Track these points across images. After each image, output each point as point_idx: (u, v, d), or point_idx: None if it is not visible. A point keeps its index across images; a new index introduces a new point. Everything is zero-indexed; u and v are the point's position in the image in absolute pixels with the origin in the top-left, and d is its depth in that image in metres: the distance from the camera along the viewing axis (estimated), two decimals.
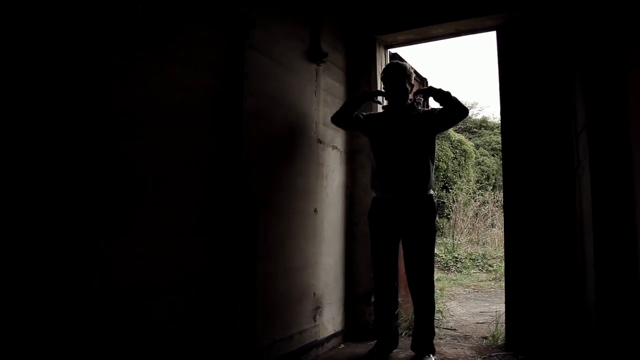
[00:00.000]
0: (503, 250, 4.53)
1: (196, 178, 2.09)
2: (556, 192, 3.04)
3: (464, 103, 2.78)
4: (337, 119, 2.97)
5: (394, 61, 3.04)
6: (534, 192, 3.11)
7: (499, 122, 3.64)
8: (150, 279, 1.84)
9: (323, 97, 3.16)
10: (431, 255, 2.78)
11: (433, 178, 2.84)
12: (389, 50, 3.73)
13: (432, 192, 2.82)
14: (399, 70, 2.87)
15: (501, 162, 3.67)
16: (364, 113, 3.04)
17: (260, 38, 2.49)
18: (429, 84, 3.00)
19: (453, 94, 2.74)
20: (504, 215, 3.31)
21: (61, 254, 1.53)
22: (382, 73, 2.95)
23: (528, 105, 3.18)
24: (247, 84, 2.37)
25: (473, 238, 8.69)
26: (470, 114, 14.59)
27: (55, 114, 1.53)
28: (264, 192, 2.49)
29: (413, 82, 3.01)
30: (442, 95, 2.74)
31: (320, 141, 3.11)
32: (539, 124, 3.13)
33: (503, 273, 4.22)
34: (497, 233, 8.36)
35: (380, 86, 3.59)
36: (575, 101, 2.92)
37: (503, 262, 4.90)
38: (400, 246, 2.86)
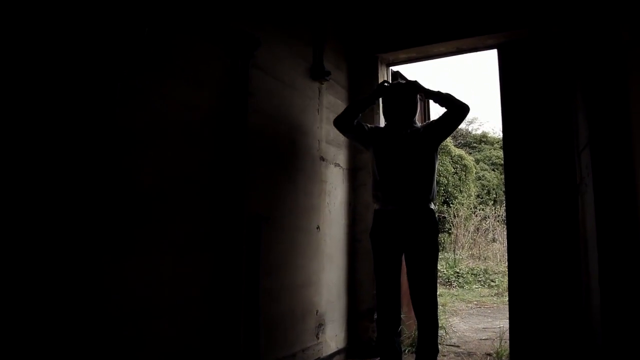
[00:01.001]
0: (505, 265, 4.50)
1: (200, 196, 2.09)
2: (559, 208, 3.04)
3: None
4: (341, 120, 2.83)
5: (400, 81, 3.04)
6: (536, 208, 3.11)
7: (499, 137, 3.67)
8: (153, 297, 1.83)
9: (326, 115, 3.18)
10: (434, 271, 2.75)
11: (435, 191, 2.82)
12: (390, 68, 3.77)
13: (433, 205, 2.79)
14: (407, 89, 2.84)
15: (502, 176, 3.68)
16: (369, 124, 2.98)
17: (264, 57, 2.52)
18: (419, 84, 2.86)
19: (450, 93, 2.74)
20: (507, 230, 3.31)
21: (64, 273, 1.53)
22: (388, 89, 2.85)
23: (530, 123, 3.20)
24: (251, 102, 2.39)
25: (474, 253, 8.66)
26: (470, 128, 14.66)
27: (60, 133, 1.55)
28: (267, 209, 2.49)
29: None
30: (442, 97, 2.74)
31: (322, 159, 3.12)
32: (540, 141, 3.15)
33: (505, 288, 4.19)
34: (499, 248, 8.34)
35: (382, 103, 3.62)
36: (577, 118, 2.94)
37: (505, 277, 4.88)
38: (403, 261, 2.85)
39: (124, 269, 1.71)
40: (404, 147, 2.78)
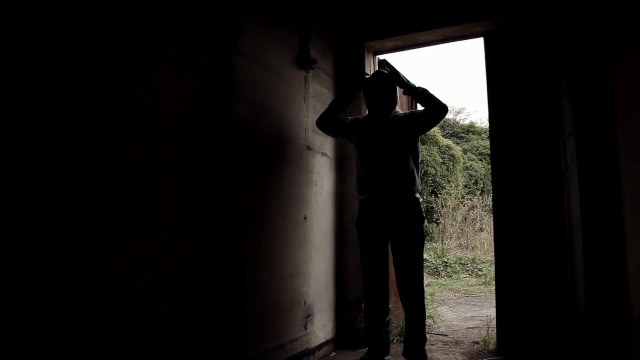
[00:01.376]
0: (492, 254, 4.53)
1: (184, 186, 2.06)
2: (545, 196, 3.06)
3: (450, 108, 2.80)
4: (323, 122, 2.86)
5: (380, 70, 2.96)
6: (522, 196, 3.13)
7: (487, 127, 3.69)
8: (137, 289, 1.80)
9: (312, 103, 3.15)
10: (420, 259, 2.75)
11: (418, 181, 2.80)
12: (377, 56, 3.74)
13: (418, 195, 2.78)
14: (387, 80, 2.84)
15: (489, 166, 3.69)
16: (349, 117, 2.95)
17: (249, 45, 2.48)
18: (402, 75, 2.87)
19: (430, 91, 2.71)
20: (494, 219, 3.32)
21: (45, 266, 1.49)
22: (367, 82, 2.85)
23: (516, 111, 3.20)
24: (236, 90, 2.35)
25: (462, 242, 8.72)
26: (457, 118, 14.71)
27: (38, 122, 1.50)
28: (253, 199, 2.47)
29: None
30: (419, 93, 2.72)
31: (309, 148, 3.09)
32: (527, 129, 3.16)
33: (492, 277, 4.22)
34: (486, 237, 8.40)
35: None
36: (562, 106, 2.94)
37: (492, 266, 4.92)
38: (390, 252, 2.85)
39: (104, 261, 1.68)
40: (385, 139, 2.76)
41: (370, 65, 3.67)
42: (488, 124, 3.43)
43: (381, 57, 3.76)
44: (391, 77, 2.84)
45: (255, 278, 2.43)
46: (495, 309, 3.24)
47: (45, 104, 1.52)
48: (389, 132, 2.77)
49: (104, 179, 1.68)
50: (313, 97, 3.18)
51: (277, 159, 2.75)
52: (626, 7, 2.01)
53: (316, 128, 3.04)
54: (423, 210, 2.83)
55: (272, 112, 2.72)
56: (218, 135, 2.24)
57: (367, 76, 2.91)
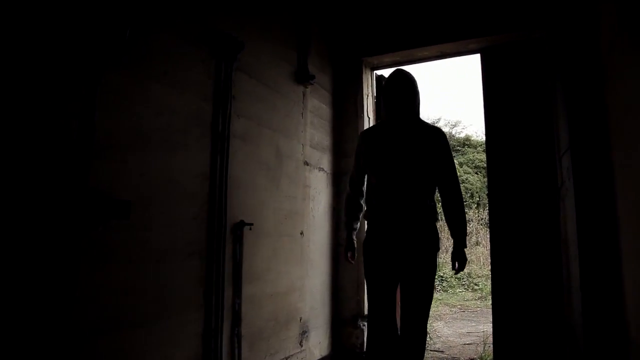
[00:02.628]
0: (488, 268, 4.51)
1: (181, 202, 2.06)
2: (541, 211, 3.07)
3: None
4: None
5: (400, 69, 2.44)
6: (519, 210, 3.14)
7: (482, 140, 3.69)
8: (133, 306, 1.79)
9: (310, 118, 3.16)
10: (430, 297, 2.32)
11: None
12: (375, 72, 3.77)
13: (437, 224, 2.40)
14: (409, 85, 2.37)
15: (485, 180, 3.70)
16: (361, 140, 2.50)
17: (248, 60, 2.50)
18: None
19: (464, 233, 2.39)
20: (490, 233, 3.32)
21: (39, 283, 1.48)
22: (385, 86, 2.40)
23: (512, 126, 3.23)
24: (234, 106, 2.36)
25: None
26: (453, 132, 14.78)
27: (37, 136, 1.50)
28: (251, 215, 2.46)
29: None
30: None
31: (307, 163, 3.10)
32: (523, 144, 3.18)
33: (489, 292, 4.20)
34: (482, 251, 8.40)
35: (366, 107, 3.61)
36: (558, 122, 2.97)
37: (488, 280, 4.91)
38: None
39: (100, 277, 1.66)
40: (408, 157, 2.32)
41: (368, 80, 3.69)
42: (485, 137, 3.44)
43: (379, 72, 3.79)
44: (411, 85, 2.39)
45: (251, 294, 2.41)
46: (491, 325, 3.22)
47: (42, 119, 1.52)
48: (413, 149, 2.33)
49: (100, 195, 1.67)
50: (311, 112, 3.20)
51: (274, 174, 2.75)
52: (619, 31, 2.04)
53: (314, 143, 3.04)
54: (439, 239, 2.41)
55: (270, 127, 2.72)
56: (216, 151, 2.24)
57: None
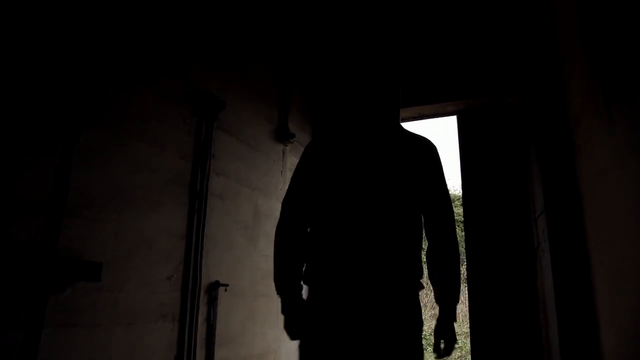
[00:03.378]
0: (467, 325, 4.44)
1: (156, 261, 2.00)
2: (519, 270, 3.08)
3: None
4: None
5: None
6: (497, 268, 3.15)
7: (460, 194, 3.73)
8: None
9: (289, 177, 3.17)
10: None
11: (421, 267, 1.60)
12: None
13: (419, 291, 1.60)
14: (385, 68, 1.60)
15: (463, 233, 3.71)
16: (306, 155, 1.64)
17: (229, 119, 2.52)
18: None
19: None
20: (468, 290, 3.31)
21: None
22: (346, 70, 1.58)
23: (488, 186, 3.30)
24: (213, 164, 2.36)
25: (437, 313, 8.58)
26: None
27: (9, 192, 1.46)
28: (226, 274, 2.41)
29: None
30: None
31: None
32: (499, 203, 3.23)
33: (468, 351, 4.12)
34: (461, 308, 8.30)
35: None
36: (533, 183, 3.04)
37: (468, 338, 4.83)
38: None
39: (67, 343, 1.58)
40: (383, 166, 1.52)
41: None
42: (462, 197, 3.49)
43: None
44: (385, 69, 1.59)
45: (224, 357, 2.32)
46: None
47: (16, 175, 1.49)
48: (388, 170, 1.52)
49: (69, 257, 1.62)
50: (290, 170, 3.21)
51: (252, 232, 2.72)
52: (586, 98, 2.14)
53: None
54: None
55: (249, 185, 2.72)
56: (193, 210, 2.21)
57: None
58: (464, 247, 3.44)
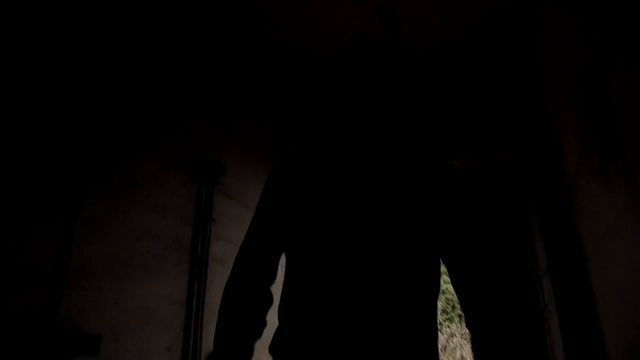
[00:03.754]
0: None
1: (155, 331, 1.95)
2: (527, 332, 3.00)
3: None
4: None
5: (366, 33, 1.14)
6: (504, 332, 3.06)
7: None
8: None
9: None
10: None
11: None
12: None
13: None
14: (385, 60, 1.11)
15: None
16: (274, 179, 1.20)
17: (229, 182, 2.54)
18: None
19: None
20: None
21: None
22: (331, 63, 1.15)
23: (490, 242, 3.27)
24: (214, 229, 2.36)
25: None
26: None
27: (10, 263, 1.45)
28: None
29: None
30: None
31: None
32: (502, 262, 3.19)
33: None
34: None
35: None
36: (534, 240, 3.02)
37: None
38: None
39: None
40: (387, 197, 1.06)
41: None
42: None
43: None
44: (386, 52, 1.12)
45: None
46: None
47: (19, 245, 1.48)
48: (393, 202, 1.06)
49: (68, 330, 1.58)
50: None
51: None
52: (581, 162, 2.17)
53: None
54: None
55: None
56: (194, 276, 2.18)
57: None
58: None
